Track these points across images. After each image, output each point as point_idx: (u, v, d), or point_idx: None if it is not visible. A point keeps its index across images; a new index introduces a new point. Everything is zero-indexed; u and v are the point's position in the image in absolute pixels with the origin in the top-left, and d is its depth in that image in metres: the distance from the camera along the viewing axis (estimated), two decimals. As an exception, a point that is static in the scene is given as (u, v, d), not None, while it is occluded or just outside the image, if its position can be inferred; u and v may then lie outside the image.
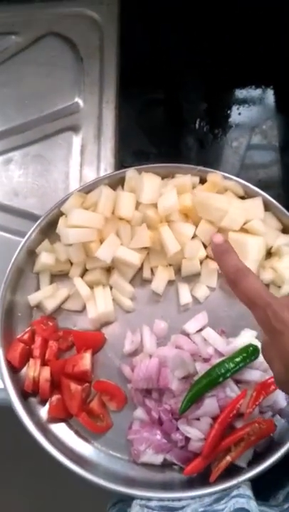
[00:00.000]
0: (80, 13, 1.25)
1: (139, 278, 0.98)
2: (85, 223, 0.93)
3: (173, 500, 0.78)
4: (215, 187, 0.98)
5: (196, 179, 1.00)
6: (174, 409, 0.82)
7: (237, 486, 0.78)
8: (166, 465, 0.83)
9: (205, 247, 0.96)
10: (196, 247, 0.94)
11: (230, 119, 1.13)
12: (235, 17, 1.22)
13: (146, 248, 0.96)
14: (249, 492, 0.76)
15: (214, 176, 0.98)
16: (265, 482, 0.82)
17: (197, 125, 1.13)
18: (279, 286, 0.92)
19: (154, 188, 0.95)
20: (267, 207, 0.96)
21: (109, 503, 0.90)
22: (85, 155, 1.13)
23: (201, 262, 0.96)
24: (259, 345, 0.86)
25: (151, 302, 0.96)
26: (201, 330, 0.91)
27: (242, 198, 0.99)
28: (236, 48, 1.20)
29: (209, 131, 1.12)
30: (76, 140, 1.14)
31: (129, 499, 0.79)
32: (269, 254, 0.95)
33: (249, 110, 1.14)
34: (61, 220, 0.96)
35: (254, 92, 1.16)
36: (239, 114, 1.14)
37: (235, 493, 0.76)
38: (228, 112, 1.14)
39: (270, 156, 1.11)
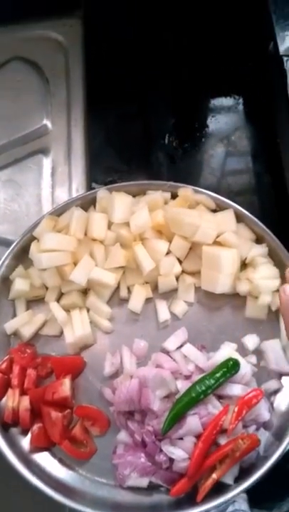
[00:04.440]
0: (44, 35, 1.26)
1: (116, 298, 0.97)
2: (58, 247, 0.92)
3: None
4: (186, 201, 0.97)
5: (168, 195, 0.99)
6: (157, 430, 0.80)
7: (232, 501, 0.77)
8: (153, 487, 0.82)
9: (180, 262, 0.96)
10: (171, 263, 0.94)
11: (198, 133, 1.14)
12: (202, 32, 1.23)
13: (121, 267, 0.96)
14: (245, 506, 0.75)
15: (185, 191, 0.98)
16: (269, 494, 0.82)
17: (166, 140, 1.13)
18: (256, 297, 0.92)
19: (125, 207, 0.95)
20: (239, 218, 0.96)
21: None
22: (56, 176, 1.12)
23: (177, 278, 0.96)
24: (239, 358, 0.85)
25: (130, 321, 0.95)
26: (181, 346, 0.90)
27: (215, 210, 0.99)
28: (202, 62, 1.21)
29: (179, 145, 1.12)
30: (46, 162, 1.14)
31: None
32: (244, 265, 0.95)
33: (217, 122, 1.14)
34: (33, 245, 0.95)
35: (222, 104, 1.17)
36: (208, 126, 1.14)
37: (230, 508, 0.75)
38: (197, 125, 1.14)
39: (241, 165, 1.12)
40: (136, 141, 1.15)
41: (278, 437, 0.82)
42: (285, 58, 1.01)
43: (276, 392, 0.87)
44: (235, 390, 0.82)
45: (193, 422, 0.79)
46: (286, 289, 0.66)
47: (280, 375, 0.89)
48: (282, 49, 1.02)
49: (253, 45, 1.17)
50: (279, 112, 1.06)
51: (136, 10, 1.24)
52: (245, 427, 0.81)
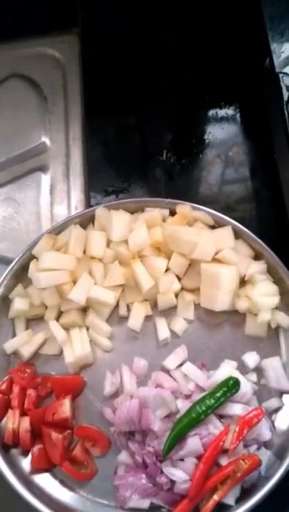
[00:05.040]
0: (41, 52, 1.27)
1: (116, 316, 0.97)
2: (57, 265, 0.92)
3: None
4: (184, 218, 0.98)
5: (166, 212, 1.00)
6: (158, 451, 0.80)
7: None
8: (154, 508, 0.81)
9: (179, 279, 0.96)
10: (170, 281, 0.94)
11: (196, 148, 1.14)
12: (201, 33, 1.23)
13: (120, 285, 0.96)
14: None
15: (183, 208, 0.98)
16: (270, 508, 0.82)
17: (164, 156, 1.13)
18: (255, 314, 0.91)
19: (124, 225, 0.95)
20: (237, 234, 0.96)
21: None
22: (54, 194, 1.13)
23: (176, 295, 0.96)
24: (239, 376, 0.85)
25: (130, 339, 0.95)
26: (181, 365, 0.90)
27: (213, 226, 0.99)
28: (201, 63, 1.21)
29: (176, 161, 1.12)
30: (45, 180, 1.14)
31: None
32: (243, 282, 0.95)
33: (215, 138, 1.15)
34: (32, 264, 0.95)
35: (220, 119, 1.17)
36: (205, 142, 1.14)
37: None
38: (194, 141, 1.14)
39: (239, 181, 1.11)
40: (134, 157, 1.15)
41: (280, 456, 0.82)
42: (280, 75, 1.01)
43: (277, 410, 0.87)
44: (235, 409, 0.82)
45: (193, 442, 0.79)
46: None
47: (280, 393, 0.88)
48: (277, 65, 1.03)
49: (251, 55, 1.17)
50: (275, 127, 1.06)
51: (136, 10, 1.25)
52: (246, 446, 0.81)
